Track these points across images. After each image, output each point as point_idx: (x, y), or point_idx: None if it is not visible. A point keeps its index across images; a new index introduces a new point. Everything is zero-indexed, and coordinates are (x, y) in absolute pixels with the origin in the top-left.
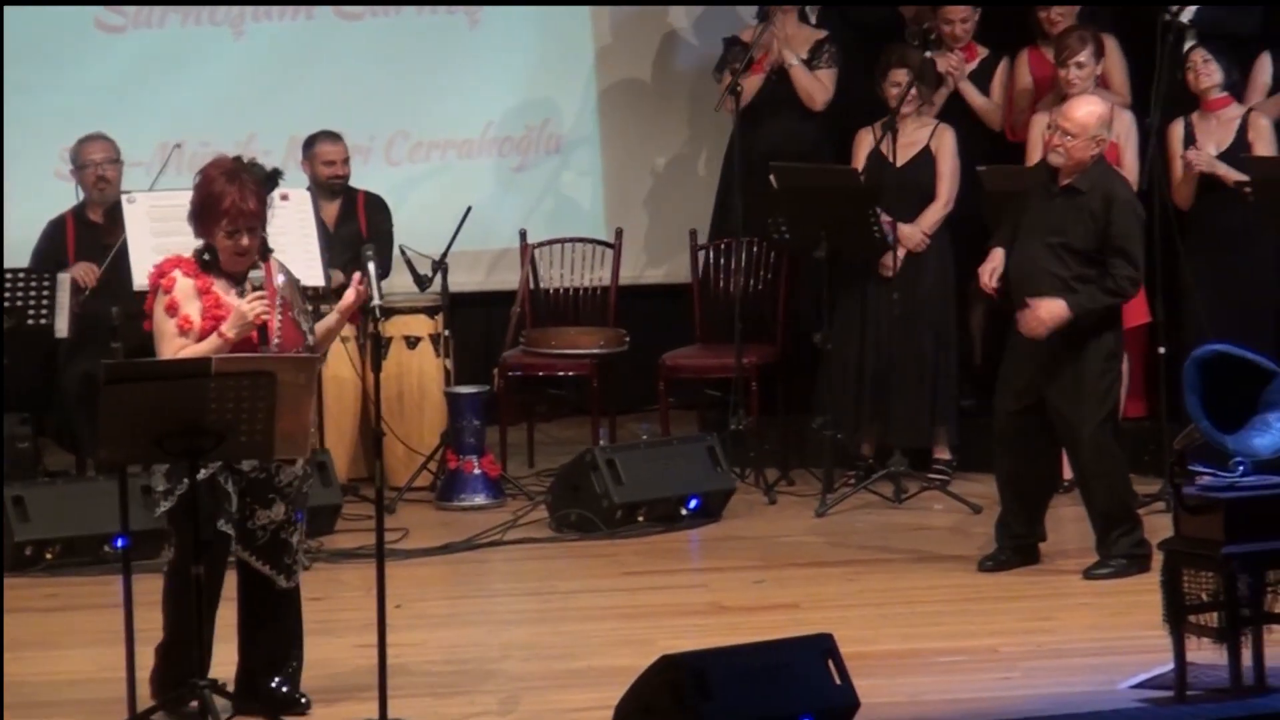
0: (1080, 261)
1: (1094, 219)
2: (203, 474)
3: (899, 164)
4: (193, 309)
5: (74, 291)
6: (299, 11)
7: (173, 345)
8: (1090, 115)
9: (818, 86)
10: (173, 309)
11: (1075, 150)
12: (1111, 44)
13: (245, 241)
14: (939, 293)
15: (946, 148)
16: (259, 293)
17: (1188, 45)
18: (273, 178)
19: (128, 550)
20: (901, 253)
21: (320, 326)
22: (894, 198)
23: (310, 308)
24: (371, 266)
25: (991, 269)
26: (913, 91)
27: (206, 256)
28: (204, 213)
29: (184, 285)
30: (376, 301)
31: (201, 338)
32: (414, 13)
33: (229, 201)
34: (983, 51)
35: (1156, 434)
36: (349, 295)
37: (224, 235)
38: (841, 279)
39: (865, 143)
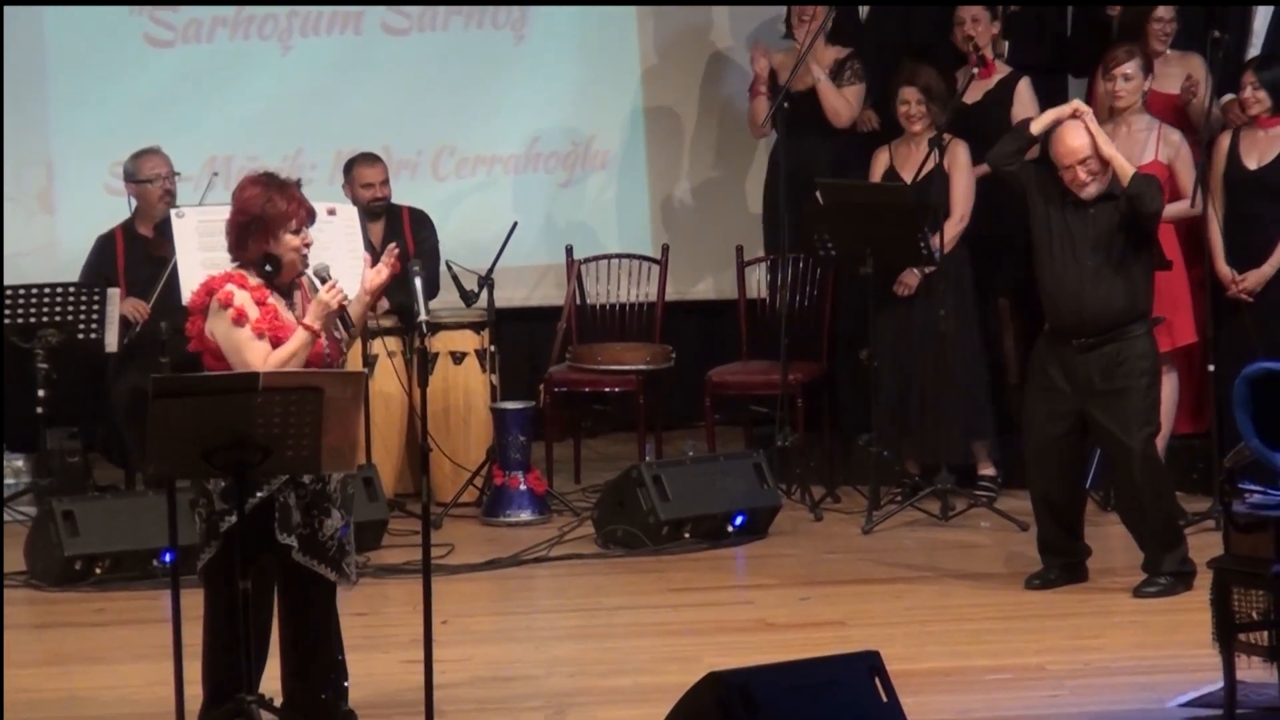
0: (1119, 252)
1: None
2: (264, 491)
3: (910, 181)
4: (257, 316)
5: (124, 325)
6: (346, 26)
7: (257, 351)
8: (1087, 140)
9: (843, 104)
10: (241, 317)
11: (1106, 175)
12: (1197, 63)
13: (310, 238)
14: (959, 309)
15: (960, 163)
16: (331, 282)
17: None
18: (298, 185)
19: (176, 565)
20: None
21: (351, 315)
22: None
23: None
24: (418, 283)
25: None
26: (924, 109)
27: (269, 268)
28: (264, 221)
29: (242, 296)
30: (423, 317)
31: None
32: (460, 28)
33: (289, 202)
34: (1002, 70)
35: (1205, 452)
36: (382, 270)
37: (290, 234)
38: (885, 295)
39: (880, 161)
